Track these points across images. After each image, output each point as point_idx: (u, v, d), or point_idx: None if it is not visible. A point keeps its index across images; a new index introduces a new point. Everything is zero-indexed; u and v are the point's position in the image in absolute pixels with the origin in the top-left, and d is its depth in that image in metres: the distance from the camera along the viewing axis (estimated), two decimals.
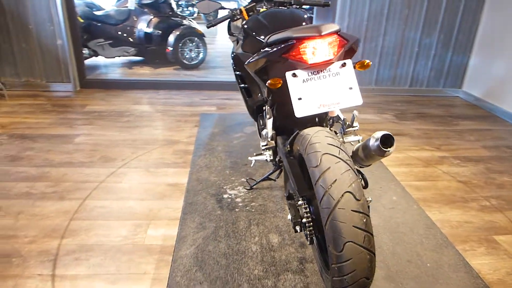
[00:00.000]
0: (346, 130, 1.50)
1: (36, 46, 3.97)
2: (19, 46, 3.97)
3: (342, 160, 1.11)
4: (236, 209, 2.01)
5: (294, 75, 1.08)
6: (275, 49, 1.07)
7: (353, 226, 1.05)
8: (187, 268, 1.56)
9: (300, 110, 1.05)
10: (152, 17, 5.18)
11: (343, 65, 1.12)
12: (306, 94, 1.10)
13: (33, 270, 1.65)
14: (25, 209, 2.08)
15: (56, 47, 3.98)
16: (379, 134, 1.26)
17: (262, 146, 1.45)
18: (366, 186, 1.38)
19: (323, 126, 1.52)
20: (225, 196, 2.14)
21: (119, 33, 5.12)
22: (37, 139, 2.97)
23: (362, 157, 1.33)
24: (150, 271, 1.65)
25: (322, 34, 1.03)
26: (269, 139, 1.41)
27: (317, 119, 1.50)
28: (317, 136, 1.18)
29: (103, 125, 3.31)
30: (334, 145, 1.15)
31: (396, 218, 1.95)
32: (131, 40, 5.22)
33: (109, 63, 5.65)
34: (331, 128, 1.54)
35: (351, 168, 1.10)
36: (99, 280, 1.60)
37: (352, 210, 1.05)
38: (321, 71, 1.12)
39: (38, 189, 2.27)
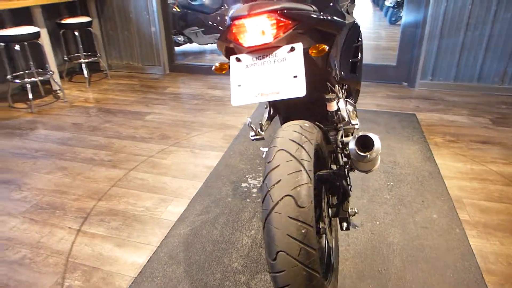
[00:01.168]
0: (344, 128, 1.33)
1: (135, 32, 4.50)
2: (122, 33, 4.56)
3: (296, 159, 0.98)
4: (247, 199, 1.98)
5: (238, 59, 0.99)
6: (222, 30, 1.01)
7: (287, 234, 0.93)
8: (173, 247, 1.61)
9: (237, 98, 0.96)
10: None
11: (292, 49, 0.99)
12: (246, 81, 0.99)
13: (66, 223, 1.93)
14: (83, 172, 2.42)
15: (150, 33, 4.44)
16: (359, 134, 1.09)
17: (251, 136, 1.38)
18: (345, 196, 1.21)
19: (320, 120, 1.39)
20: (243, 185, 2.13)
21: (211, 22, 5.42)
22: (117, 114, 3.40)
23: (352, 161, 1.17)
24: (153, 243, 1.76)
25: (251, 13, 0.92)
26: (259, 130, 1.33)
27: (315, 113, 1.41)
28: (285, 130, 1.07)
29: (174, 106, 3.60)
30: (295, 142, 1.02)
31: (424, 239, 1.64)
32: (221, 28, 5.48)
33: (200, 49, 6.05)
34: (325, 124, 1.38)
35: (304, 169, 0.97)
36: (110, 242, 1.78)
37: (289, 217, 0.93)
38: (267, 55, 0.99)
39: (100, 157, 2.62)
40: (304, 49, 0.98)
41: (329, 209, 1.24)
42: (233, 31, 0.90)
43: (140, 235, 1.82)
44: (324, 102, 1.32)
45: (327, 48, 1.00)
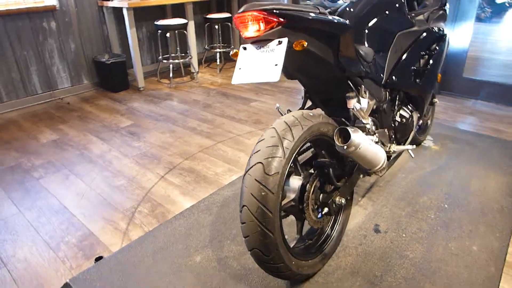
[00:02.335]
0: (356, 125, 1.39)
1: None
2: None
3: (279, 137, 1.16)
4: None
5: (245, 48, 1.20)
6: None
7: (250, 193, 1.12)
8: (213, 202, 1.93)
9: (236, 78, 1.17)
10: None
11: (279, 43, 1.12)
12: (245, 65, 1.17)
13: (156, 170, 2.48)
14: (184, 136, 2.99)
15: None
16: (339, 127, 1.20)
17: None
18: (331, 180, 1.31)
19: (347, 117, 1.47)
20: None
21: None
22: (230, 97, 3.94)
23: None
24: (202, 199, 2.13)
25: (247, 10, 1.10)
26: (285, 113, 1.53)
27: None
28: (287, 114, 1.25)
29: (279, 97, 3.93)
30: (286, 124, 1.20)
31: (446, 265, 1.49)
32: None
33: None
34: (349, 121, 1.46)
35: (281, 146, 1.14)
36: (179, 190, 2.24)
37: (255, 179, 1.12)
38: (263, 46, 1.14)
39: (201, 128, 3.16)
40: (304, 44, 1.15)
41: (321, 194, 1.35)
42: (236, 24, 1.13)
43: (202, 190, 2.22)
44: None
45: (306, 44, 1.14)
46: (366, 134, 1.40)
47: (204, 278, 1.45)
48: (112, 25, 4.19)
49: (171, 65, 4.41)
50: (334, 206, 1.33)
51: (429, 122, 2.54)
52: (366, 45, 1.59)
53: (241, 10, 1.08)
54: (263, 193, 1.12)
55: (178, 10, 4.80)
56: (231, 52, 1.23)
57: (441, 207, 1.86)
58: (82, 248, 1.79)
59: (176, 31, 4.53)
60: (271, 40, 1.11)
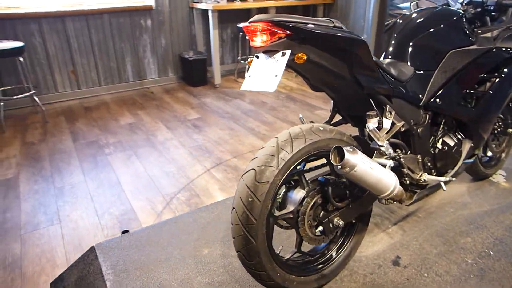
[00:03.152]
0: (372, 147, 1.29)
1: None
2: None
3: (278, 147, 1.16)
4: None
5: (257, 57, 1.21)
6: None
7: (239, 197, 1.15)
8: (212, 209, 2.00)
9: (245, 85, 1.19)
10: None
11: (283, 54, 1.10)
12: (254, 73, 1.17)
13: (205, 163, 2.64)
14: (240, 135, 3.11)
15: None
16: (335, 146, 1.14)
17: None
18: (329, 199, 1.26)
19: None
20: None
21: None
22: (296, 102, 3.95)
23: None
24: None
25: (254, 20, 1.09)
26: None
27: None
28: (296, 127, 1.25)
29: None
30: (290, 135, 1.20)
31: None
32: None
33: None
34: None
35: (277, 156, 1.14)
36: (218, 184, 2.35)
37: (246, 185, 1.14)
38: (271, 57, 1.13)
39: (259, 129, 3.24)
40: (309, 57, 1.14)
41: (321, 212, 1.30)
42: (246, 33, 1.16)
43: (233, 183, 2.30)
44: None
45: (305, 57, 1.11)
46: (380, 157, 1.31)
47: (204, 270, 1.52)
48: (199, 25, 4.53)
49: (247, 66, 4.60)
50: (330, 226, 1.28)
51: (503, 154, 2.22)
52: (406, 62, 1.47)
53: (250, 20, 1.12)
54: (250, 199, 1.15)
55: (261, 13, 4.97)
56: (248, 59, 1.27)
57: (485, 253, 1.62)
58: (120, 220, 2.02)
59: None
60: (278, 51, 1.13)
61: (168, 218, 1.94)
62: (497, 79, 1.65)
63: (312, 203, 1.26)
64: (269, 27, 1.08)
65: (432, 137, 1.59)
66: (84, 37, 3.90)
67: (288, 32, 1.09)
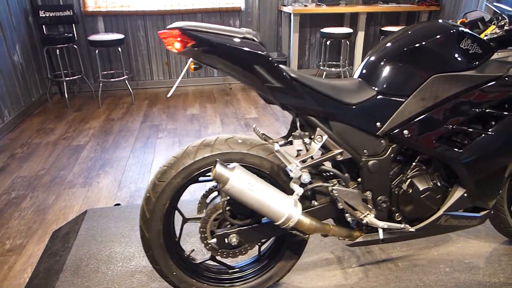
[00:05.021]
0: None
1: None
2: None
3: (184, 152, 1.23)
4: None
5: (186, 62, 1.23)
6: None
7: (146, 188, 1.24)
8: None
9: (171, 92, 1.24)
10: None
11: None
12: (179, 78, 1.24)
13: None
14: None
15: None
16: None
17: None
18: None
19: None
20: None
21: None
22: None
23: None
24: None
25: (167, 28, 1.09)
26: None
27: None
28: (213, 136, 1.27)
29: None
30: (201, 143, 1.24)
31: None
32: None
33: None
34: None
35: (180, 161, 1.21)
36: None
37: (151, 181, 1.23)
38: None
39: None
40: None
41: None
42: (162, 39, 1.19)
43: None
44: None
45: (193, 66, 1.09)
46: (297, 182, 1.17)
47: None
48: (286, 28, 4.59)
49: (324, 72, 4.46)
50: (225, 241, 1.22)
51: None
52: (369, 83, 1.28)
53: (168, 26, 1.16)
54: (147, 195, 1.22)
55: (356, 20, 4.72)
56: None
57: None
58: (134, 196, 2.29)
59: (342, 40, 4.49)
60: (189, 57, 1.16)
61: None
62: (505, 118, 1.28)
63: (216, 212, 1.25)
64: (178, 35, 1.12)
65: (401, 175, 1.34)
66: None
67: (192, 41, 1.11)
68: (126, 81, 4.01)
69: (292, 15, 4.09)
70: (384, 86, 1.26)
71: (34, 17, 3.91)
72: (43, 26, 3.96)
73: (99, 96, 3.98)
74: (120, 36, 3.83)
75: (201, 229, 1.26)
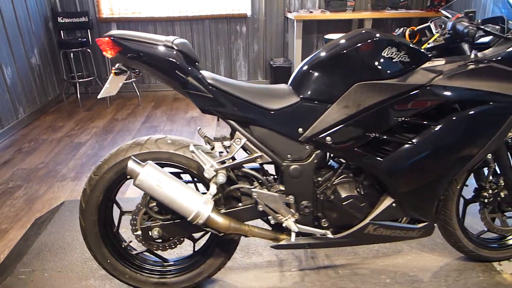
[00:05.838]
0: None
1: None
2: None
3: (117, 149, 1.34)
4: None
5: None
6: None
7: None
8: None
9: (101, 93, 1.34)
10: None
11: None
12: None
13: None
14: None
15: None
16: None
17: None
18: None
19: None
20: None
21: None
22: None
23: None
24: None
25: (103, 35, 1.19)
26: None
27: None
28: (148, 136, 1.37)
29: None
30: (133, 142, 1.35)
31: None
32: None
33: None
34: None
35: (113, 157, 1.32)
36: None
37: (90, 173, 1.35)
38: None
39: None
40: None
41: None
42: (99, 46, 1.30)
43: None
44: None
45: (115, 73, 1.20)
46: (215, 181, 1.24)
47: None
48: (292, 34, 4.64)
49: None
50: (148, 234, 1.31)
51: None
52: (294, 89, 1.32)
53: (104, 34, 1.28)
54: (84, 187, 1.34)
55: (363, 26, 4.68)
56: None
57: None
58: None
59: None
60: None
61: None
62: (427, 129, 1.28)
63: (147, 206, 1.34)
64: (108, 42, 1.23)
65: (328, 182, 1.36)
66: (187, 38, 4.59)
67: (120, 48, 1.22)
68: (134, 84, 4.23)
69: (295, 22, 4.14)
70: (309, 92, 1.30)
71: (54, 23, 4.23)
72: (61, 31, 4.27)
73: (108, 97, 4.23)
74: None
75: (132, 222, 1.36)
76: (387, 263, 1.67)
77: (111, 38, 1.22)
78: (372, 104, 1.27)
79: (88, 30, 4.31)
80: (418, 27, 1.57)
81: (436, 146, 1.28)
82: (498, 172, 1.52)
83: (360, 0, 4.60)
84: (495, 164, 1.50)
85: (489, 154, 1.47)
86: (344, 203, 1.34)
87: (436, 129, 1.26)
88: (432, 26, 1.52)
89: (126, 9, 4.39)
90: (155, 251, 1.44)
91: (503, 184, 1.51)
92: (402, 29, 1.61)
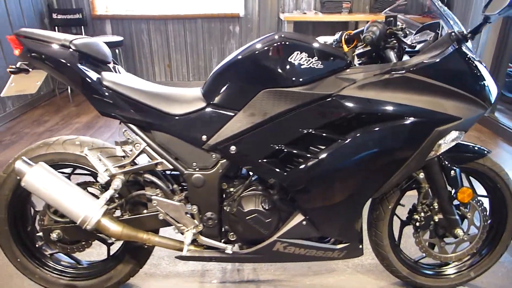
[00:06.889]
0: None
1: None
2: None
3: (27, 149, 1.33)
4: None
5: None
6: None
7: None
8: None
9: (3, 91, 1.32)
10: None
11: None
12: None
13: None
14: None
15: None
16: None
17: None
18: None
19: None
20: None
21: None
22: None
23: None
24: None
25: (13, 33, 1.17)
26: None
27: None
28: (63, 136, 1.36)
29: None
30: (51, 141, 1.33)
31: None
32: None
33: None
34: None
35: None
36: None
37: None
38: None
39: None
40: None
41: None
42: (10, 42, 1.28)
43: None
44: None
45: (10, 72, 1.18)
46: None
47: None
48: None
49: None
50: (48, 235, 1.29)
51: (452, 265, 1.55)
52: (203, 94, 1.27)
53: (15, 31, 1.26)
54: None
55: None
56: None
57: None
58: None
59: None
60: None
61: None
62: (335, 142, 1.19)
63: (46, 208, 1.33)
64: (13, 40, 1.22)
65: (235, 194, 1.30)
66: (180, 37, 4.59)
67: (21, 46, 1.20)
68: None
69: (285, 23, 4.06)
70: (217, 98, 1.25)
71: (49, 19, 4.33)
72: (56, 27, 4.36)
73: None
74: (118, 38, 4.09)
75: (39, 222, 1.35)
76: (316, 282, 1.58)
77: (16, 35, 1.21)
78: (278, 113, 1.20)
79: (82, 27, 4.38)
80: (354, 32, 1.47)
81: (343, 162, 1.19)
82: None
83: (358, 2, 4.47)
84: (428, 185, 1.38)
85: (421, 174, 1.36)
86: (247, 218, 1.28)
87: (343, 143, 1.18)
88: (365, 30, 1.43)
89: (120, 7, 4.43)
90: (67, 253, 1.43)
91: (436, 207, 1.39)
92: (340, 33, 1.53)
